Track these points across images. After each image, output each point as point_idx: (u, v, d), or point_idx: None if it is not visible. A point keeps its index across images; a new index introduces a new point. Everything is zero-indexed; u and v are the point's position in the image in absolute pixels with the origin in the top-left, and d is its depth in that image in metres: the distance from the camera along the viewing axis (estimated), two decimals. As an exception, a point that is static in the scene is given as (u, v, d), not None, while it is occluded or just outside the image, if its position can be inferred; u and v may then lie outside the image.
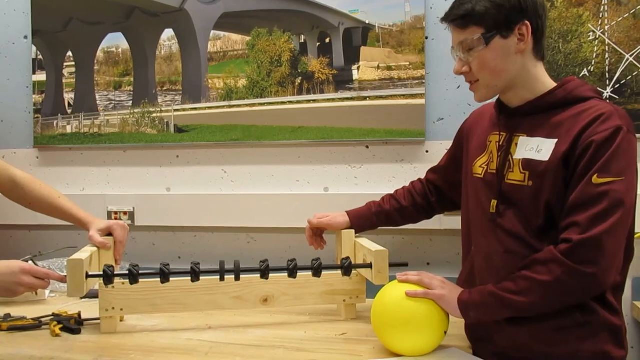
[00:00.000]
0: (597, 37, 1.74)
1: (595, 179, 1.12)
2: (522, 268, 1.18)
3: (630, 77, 1.72)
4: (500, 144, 1.30)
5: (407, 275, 1.31)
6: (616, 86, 1.73)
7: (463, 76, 1.31)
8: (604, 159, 1.12)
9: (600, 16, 1.73)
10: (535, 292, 1.16)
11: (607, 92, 1.73)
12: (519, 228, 1.23)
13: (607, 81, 1.73)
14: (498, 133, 1.32)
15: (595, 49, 1.74)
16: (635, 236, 1.62)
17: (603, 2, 1.72)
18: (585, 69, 1.75)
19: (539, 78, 1.26)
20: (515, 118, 1.29)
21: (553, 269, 1.13)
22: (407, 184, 1.70)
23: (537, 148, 1.21)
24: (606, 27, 1.73)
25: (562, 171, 1.17)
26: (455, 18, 1.24)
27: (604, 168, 1.12)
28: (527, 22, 1.20)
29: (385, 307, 1.27)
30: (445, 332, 1.26)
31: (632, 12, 1.71)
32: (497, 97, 1.35)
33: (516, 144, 1.26)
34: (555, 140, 1.19)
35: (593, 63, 1.74)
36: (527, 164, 1.22)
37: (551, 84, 1.26)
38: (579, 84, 1.24)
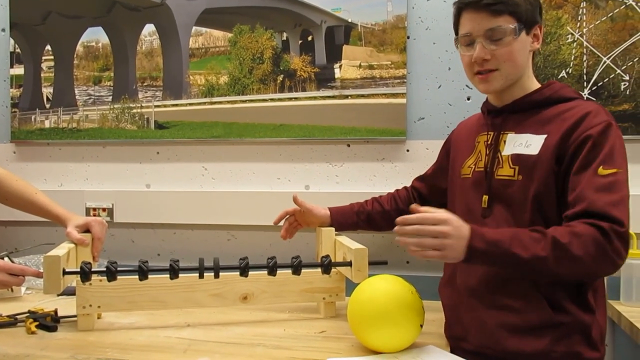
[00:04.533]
0: (576, 39, 1.76)
1: (601, 170, 1.15)
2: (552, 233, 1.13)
3: (607, 79, 1.75)
4: (489, 142, 1.33)
5: (404, 221, 1.16)
6: (593, 88, 1.75)
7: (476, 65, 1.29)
8: (605, 150, 1.16)
9: (579, 19, 1.76)
10: (563, 263, 1.11)
11: (585, 94, 1.76)
12: (504, 226, 1.25)
13: (585, 83, 1.76)
14: (486, 133, 1.35)
15: (574, 51, 1.76)
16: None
17: (581, 5, 1.75)
18: (563, 71, 1.77)
19: (532, 79, 1.32)
20: (502, 116, 1.32)
21: (589, 249, 1.09)
22: (388, 183, 1.71)
23: (526, 143, 1.25)
24: (584, 30, 1.75)
25: (553, 165, 1.20)
26: (494, 3, 1.24)
27: (607, 160, 1.15)
28: (541, 25, 1.28)
29: (360, 304, 1.28)
30: (421, 326, 1.27)
31: (609, 15, 1.73)
32: (485, 100, 1.40)
33: (504, 141, 1.29)
34: (545, 135, 1.22)
35: (571, 65, 1.77)
36: (517, 158, 1.25)
37: (536, 84, 1.32)
38: (564, 85, 1.31)
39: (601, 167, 1.15)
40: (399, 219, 1.16)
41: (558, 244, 1.10)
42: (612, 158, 1.16)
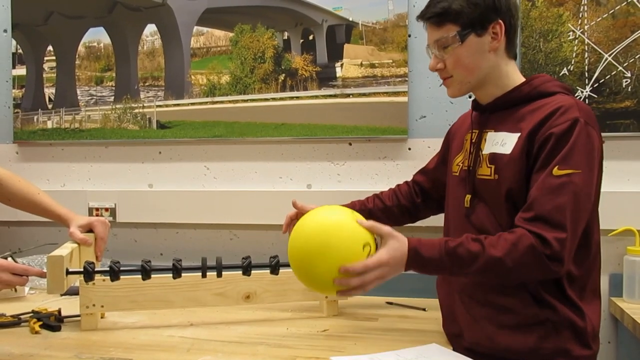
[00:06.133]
0: (577, 36, 1.76)
1: (555, 171, 1.14)
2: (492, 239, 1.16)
3: (608, 76, 1.74)
4: (473, 141, 1.32)
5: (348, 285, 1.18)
6: (595, 85, 1.75)
7: (437, 73, 1.33)
8: (563, 150, 1.14)
9: (580, 16, 1.75)
10: (498, 274, 1.16)
11: (586, 91, 1.76)
12: (487, 225, 1.25)
13: (586, 80, 1.76)
14: (471, 131, 1.35)
15: (575, 48, 1.76)
16: (610, 234, 1.67)
17: (583, 2, 1.75)
18: (565, 68, 1.77)
19: (510, 75, 1.29)
20: (485, 115, 1.32)
21: (524, 259, 1.12)
22: (390, 182, 1.70)
23: (502, 142, 1.24)
24: (585, 27, 1.75)
25: (524, 163, 1.19)
26: (432, 16, 1.26)
27: (563, 160, 1.14)
28: (500, 21, 1.23)
29: (295, 242, 1.23)
30: (370, 247, 1.18)
31: (611, 12, 1.73)
32: (473, 96, 1.37)
33: (485, 140, 1.29)
34: (518, 134, 1.21)
35: (573, 62, 1.77)
36: (493, 157, 1.25)
37: (521, 80, 1.29)
38: (546, 79, 1.27)
39: (556, 167, 1.14)
40: (343, 269, 1.15)
41: (492, 260, 1.13)
42: (570, 158, 1.14)
